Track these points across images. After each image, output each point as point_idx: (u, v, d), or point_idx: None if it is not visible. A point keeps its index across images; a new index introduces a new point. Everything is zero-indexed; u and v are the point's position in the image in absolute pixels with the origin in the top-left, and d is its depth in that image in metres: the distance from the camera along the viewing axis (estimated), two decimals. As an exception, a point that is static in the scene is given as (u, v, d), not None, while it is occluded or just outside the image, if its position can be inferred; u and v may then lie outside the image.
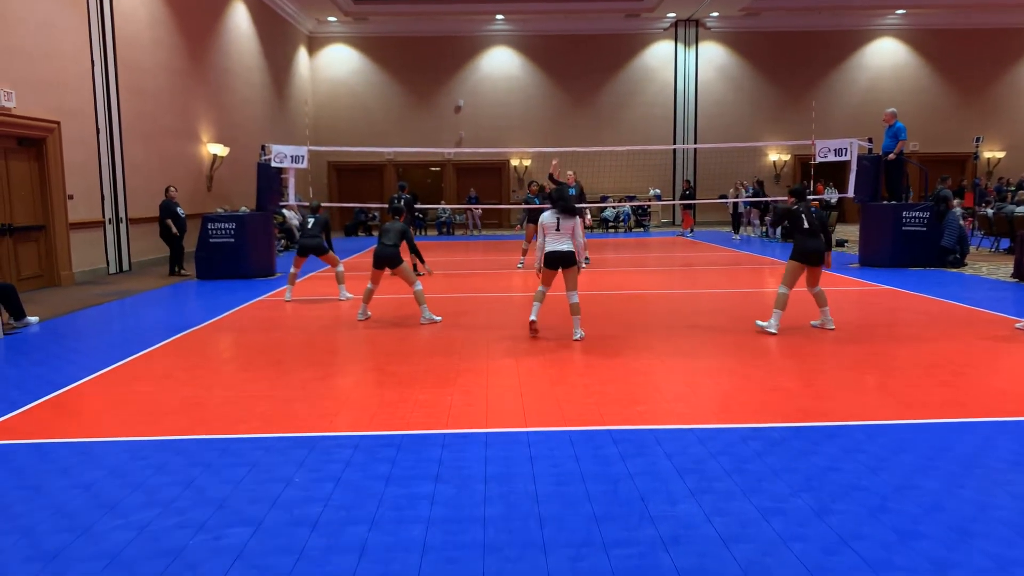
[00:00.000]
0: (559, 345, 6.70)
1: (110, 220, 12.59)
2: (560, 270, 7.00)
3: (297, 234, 18.06)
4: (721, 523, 3.14)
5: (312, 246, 9.37)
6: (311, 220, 9.54)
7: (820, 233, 7.08)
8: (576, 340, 6.85)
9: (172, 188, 12.96)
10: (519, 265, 13.14)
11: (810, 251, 6.98)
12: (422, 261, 8.83)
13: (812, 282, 7.13)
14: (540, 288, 7.16)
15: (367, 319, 8.03)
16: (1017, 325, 7.26)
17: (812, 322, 7.34)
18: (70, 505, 3.43)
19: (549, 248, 6.97)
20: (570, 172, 13.56)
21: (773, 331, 6.93)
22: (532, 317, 7.08)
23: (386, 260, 7.85)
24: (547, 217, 7.00)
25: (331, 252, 9.60)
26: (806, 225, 7.06)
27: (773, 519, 3.17)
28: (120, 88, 12.80)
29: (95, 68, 12.17)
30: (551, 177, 12.98)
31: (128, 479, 3.72)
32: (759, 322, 7.17)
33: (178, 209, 12.67)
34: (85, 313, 8.84)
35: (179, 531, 3.15)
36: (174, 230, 12.52)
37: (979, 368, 5.69)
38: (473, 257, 15.51)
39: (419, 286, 7.96)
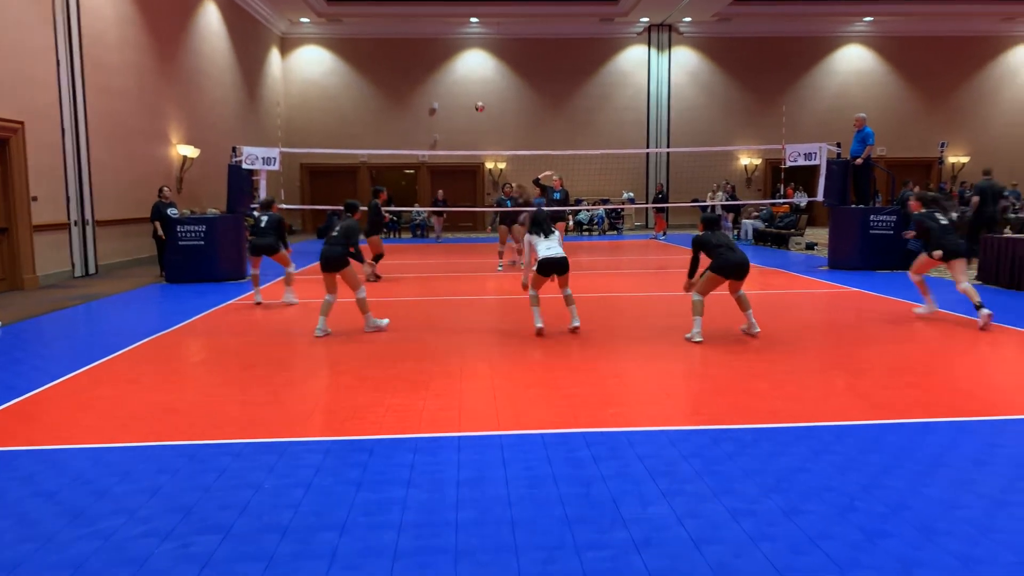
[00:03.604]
0: (533, 348, 6.71)
1: (76, 222, 12.35)
2: (555, 276, 7.23)
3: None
4: (692, 525, 3.16)
5: (263, 246, 9.03)
6: (264, 218, 9.18)
7: (737, 247, 6.99)
8: (574, 328, 7.24)
9: (165, 188, 12.69)
10: (499, 268, 13.11)
11: (734, 263, 6.81)
12: (361, 261, 7.75)
13: (734, 289, 7.05)
14: (532, 292, 7.32)
15: (326, 335, 7.27)
16: (916, 310, 8.04)
17: (741, 327, 7.21)
18: (33, 514, 3.35)
19: (546, 255, 7.12)
20: (556, 176, 13.60)
21: (699, 339, 6.79)
22: (539, 324, 7.17)
23: (330, 263, 7.23)
24: (531, 237, 7.34)
25: (284, 252, 9.22)
26: (725, 242, 6.94)
27: (743, 520, 3.20)
28: (87, 88, 12.57)
29: (61, 67, 11.94)
30: (536, 181, 13.04)
31: (93, 486, 3.64)
32: (687, 335, 6.94)
33: (169, 211, 12.32)
34: (49, 317, 8.66)
35: (145, 539, 3.09)
36: (159, 232, 12.24)
37: (945, 369, 5.80)
38: (447, 260, 15.46)
39: (363, 293, 7.41)
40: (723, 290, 7.20)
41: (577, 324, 7.28)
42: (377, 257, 11.67)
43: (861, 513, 3.25)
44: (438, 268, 13.76)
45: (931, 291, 8.13)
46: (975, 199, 13.36)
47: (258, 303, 9.34)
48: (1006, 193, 19.09)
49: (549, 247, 7.18)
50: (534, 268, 7.27)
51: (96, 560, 2.93)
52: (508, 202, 13.16)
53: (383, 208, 11.93)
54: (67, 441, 4.33)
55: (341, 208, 7.92)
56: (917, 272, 8.03)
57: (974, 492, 3.46)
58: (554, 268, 7.14)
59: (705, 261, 7.04)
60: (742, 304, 7.08)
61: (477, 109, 15.67)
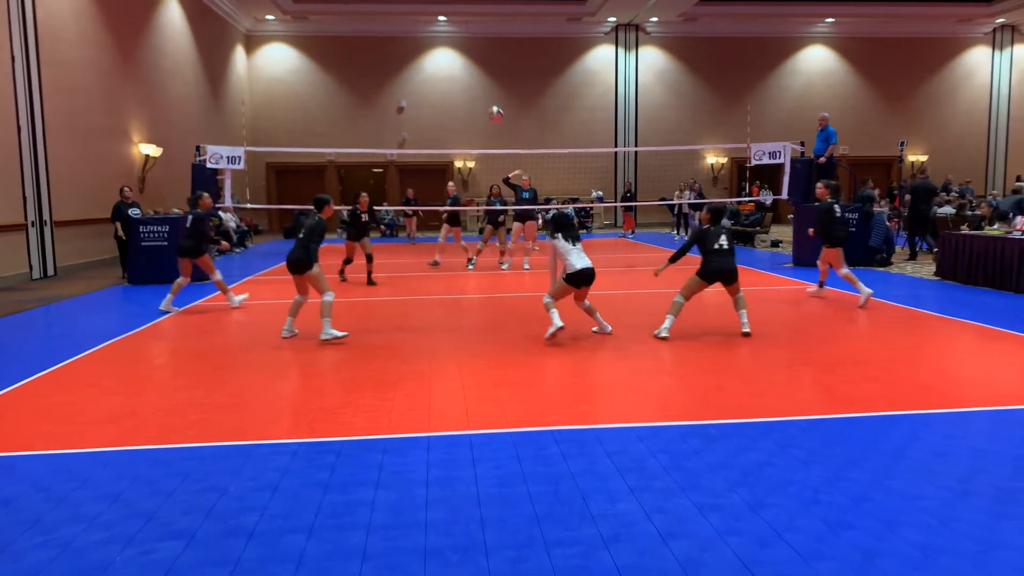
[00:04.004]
0: (502, 347, 6.70)
1: (33, 223, 12.04)
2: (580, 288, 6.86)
3: (234, 236, 17.68)
4: (660, 520, 3.18)
5: (184, 248, 8.51)
6: (190, 217, 8.67)
7: (733, 254, 6.99)
8: (608, 333, 7.01)
9: (126, 188, 12.37)
10: (469, 266, 13.12)
11: (721, 271, 6.89)
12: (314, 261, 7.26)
13: (732, 292, 7.09)
14: (549, 300, 6.83)
15: (293, 336, 7.17)
16: (809, 290, 8.85)
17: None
18: (-13, 523, 3.26)
19: (581, 265, 6.70)
20: (525, 176, 13.64)
21: (666, 335, 6.82)
22: (560, 323, 6.68)
23: (292, 265, 6.97)
24: (561, 244, 6.84)
25: (207, 256, 8.59)
26: (718, 245, 6.94)
27: (710, 515, 3.23)
28: (44, 85, 12.25)
29: (15, 63, 11.62)
30: (506, 180, 13.10)
31: (51, 493, 3.55)
32: (655, 332, 6.97)
33: (131, 211, 11.99)
34: (6, 321, 8.42)
35: (106, 546, 3.02)
36: (119, 233, 11.95)
37: (906, 363, 5.92)
38: (418, 259, 15.37)
39: (330, 296, 7.00)
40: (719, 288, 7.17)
41: (609, 329, 7.05)
42: (364, 258, 11.15)
43: (825, 506, 3.30)
44: (408, 268, 13.68)
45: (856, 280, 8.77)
46: (907, 197, 13.75)
47: (164, 312, 8.62)
48: (955, 191, 19.63)
49: (581, 257, 6.75)
50: (560, 278, 6.89)
51: (54, 569, 2.85)
52: (497, 203, 13.34)
53: (365, 211, 11.18)
54: (24, 447, 4.21)
55: (310, 208, 7.56)
56: (841, 267, 8.76)
57: (934, 483, 3.53)
58: (585, 280, 6.77)
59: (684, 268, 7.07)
60: (737, 304, 7.10)
61: (492, 118, 13.72)
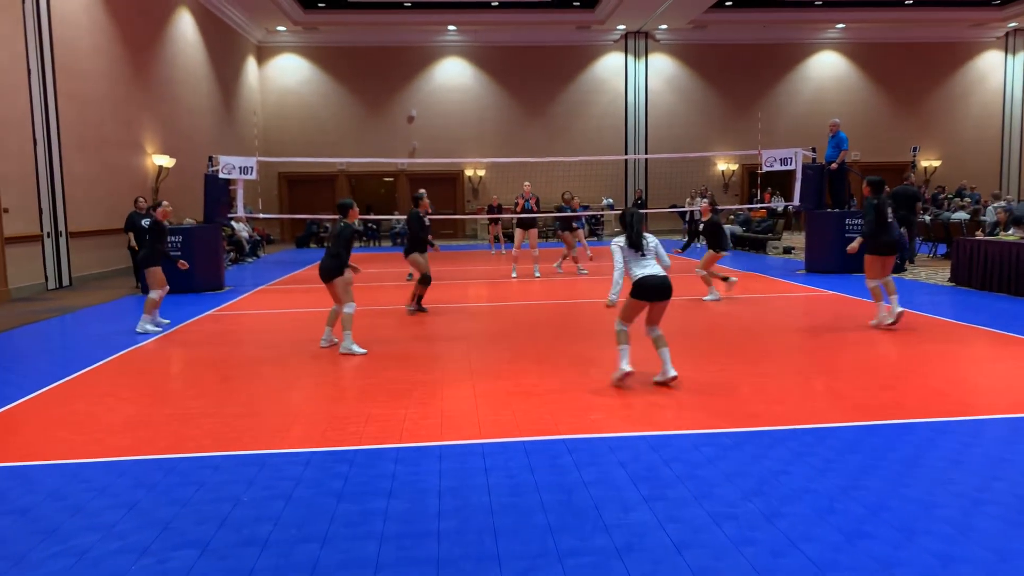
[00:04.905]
0: (514, 356, 6.69)
1: (49, 234, 12.16)
2: (652, 302, 5.48)
3: (247, 246, 17.80)
4: (674, 530, 3.17)
5: (142, 258, 8.44)
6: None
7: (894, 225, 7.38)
8: (671, 379, 5.44)
9: (140, 199, 12.46)
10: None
11: (895, 241, 7.29)
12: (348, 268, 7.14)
13: (889, 267, 7.45)
14: (622, 327, 5.55)
15: (332, 345, 7.11)
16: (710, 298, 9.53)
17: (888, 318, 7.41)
18: (5, 531, 3.28)
19: (644, 273, 5.39)
20: (526, 183, 13.67)
21: (891, 320, 7.18)
22: (627, 368, 5.47)
23: (321, 273, 6.89)
24: (617, 253, 5.52)
25: (158, 268, 8.09)
26: (889, 218, 7.32)
27: (725, 524, 3.21)
28: (59, 97, 12.39)
29: (32, 76, 11.77)
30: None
31: (67, 503, 3.57)
32: (872, 321, 7.38)
33: (143, 221, 12.05)
34: (22, 331, 8.51)
35: (122, 555, 3.04)
36: (132, 243, 12.04)
37: (919, 370, 5.88)
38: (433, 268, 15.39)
39: (350, 309, 6.85)
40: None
41: (674, 374, 5.43)
42: (424, 280, 9.13)
43: (840, 515, 3.28)
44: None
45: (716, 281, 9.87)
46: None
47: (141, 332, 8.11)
48: (967, 196, 19.48)
49: (645, 263, 5.45)
50: (614, 289, 5.57)
51: (71, 578, 2.87)
52: (567, 208, 13.71)
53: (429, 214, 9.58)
54: (41, 457, 4.25)
55: (320, 217, 7.52)
56: (706, 268, 9.87)
57: (951, 491, 3.50)
58: (655, 293, 5.39)
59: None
60: (889, 288, 7.42)
61: (409, 120, 13.80)
